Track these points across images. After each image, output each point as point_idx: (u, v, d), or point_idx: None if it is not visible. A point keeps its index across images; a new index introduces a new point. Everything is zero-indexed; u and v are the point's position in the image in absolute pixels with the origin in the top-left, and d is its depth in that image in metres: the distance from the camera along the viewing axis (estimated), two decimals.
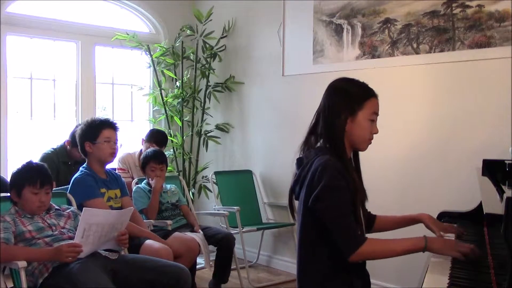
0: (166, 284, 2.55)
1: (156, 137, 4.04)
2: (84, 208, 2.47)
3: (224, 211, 4.03)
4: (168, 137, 4.74)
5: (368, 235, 1.83)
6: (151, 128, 4.90)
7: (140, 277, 2.55)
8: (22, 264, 2.32)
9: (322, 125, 1.85)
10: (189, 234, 3.32)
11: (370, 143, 1.87)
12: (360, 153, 1.94)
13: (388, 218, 2.09)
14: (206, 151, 4.88)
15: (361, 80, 1.90)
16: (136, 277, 2.54)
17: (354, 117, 1.81)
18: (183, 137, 4.78)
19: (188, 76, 4.84)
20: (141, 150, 4.05)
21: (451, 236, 1.97)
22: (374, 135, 1.87)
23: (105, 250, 2.62)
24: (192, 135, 4.83)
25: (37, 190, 2.51)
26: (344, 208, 1.73)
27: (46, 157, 3.76)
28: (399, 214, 3.06)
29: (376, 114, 1.85)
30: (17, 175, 2.57)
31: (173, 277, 2.58)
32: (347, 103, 1.81)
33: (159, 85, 4.74)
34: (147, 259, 2.68)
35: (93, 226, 2.41)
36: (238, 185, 4.46)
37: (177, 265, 2.70)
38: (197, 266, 3.57)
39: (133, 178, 3.81)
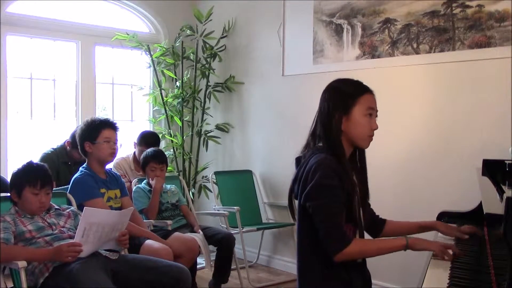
0: (166, 284, 2.55)
1: (147, 140, 3.94)
2: (85, 207, 2.47)
3: (224, 211, 4.03)
4: (168, 137, 4.76)
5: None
6: (149, 128, 4.91)
7: (140, 277, 2.55)
8: (22, 264, 2.32)
9: (320, 127, 1.85)
10: (189, 235, 3.32)
11: (371, 139, 1.85)
12: None
13: (400, 224, 2.06)
14: (206, 151, 4.88)
15: (356, 79, 1.90)
16: (136, 277, 2.54)
17: (348, 115, 1.81)
18: (183, 137, 4.77)
19: (188, 76, 4.84)
20: (134, 153, 4.03)
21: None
22: (375, 134, 1.85)
23: (105, 250, 2.62)
24: (192, 135, 4.83)
25: (38, 191, 2.51)
26: (334, 207, 1.72)
27: (46, 157, 3.76)
28: (398, 214, 3.05)
29: (372, 109, 1.83)
30: (18, 175, 2.57)
31: (173, 277, 2.58)
32: (341, 102, 1.81)
33: (159, 85, 4.74)
34: (147, 259, 2.68)
35: (93, 226, 2.41)
36: (238, 185, 4.46)
37: (177, 265, 2.70)
38: (198, 266, 3.57)
39: (131, 182, 3.79)
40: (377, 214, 2.08)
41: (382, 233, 2.04)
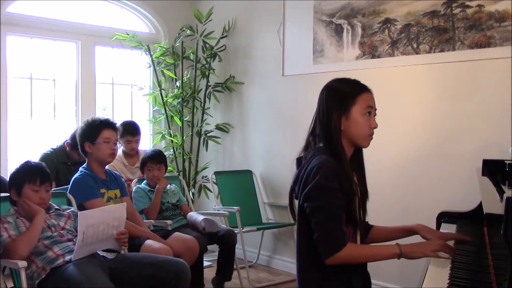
0: (165, 278, 2.55)
1: (126, 128, 3.85)
2: (79, 212, 2.47)
3: (224, 211, 4.03)
4: (168, 137, 4.76)
5: None
6: (149, 129, 4.90)
7: (139, 273, 2.55)
8: (22, 264, 2.32)
9: (319, 127, 1.84)
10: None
11: (371, 138, 1.84)
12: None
13: (383, 228, 2.03)
14: (206, 151, 4.88)
15: (354, 78, 1.89)
16: (135, 273, 2.55)
17: (348, 114, 1.80)
18: (183, 137, 4.77)
19: (188, 76, 4.84)
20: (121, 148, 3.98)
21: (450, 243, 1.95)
22: (375, 134, 1.85)
23: (104, 250, 2.62)
24: (192, 135, 4.83)
25: (37, 188, 2.52)
26: (331, 210, 1.71)
27: (45, 157, 3.76)
28: (399, 213, 3.04)
29: (371, 107, 1.83)
30: (16, 174, 2.57)
31: (171, 270, 2.57)
32: (339, 101, 1.80)
33: (159, 85, 4.74)
34: (146, 256, 2.69)
35: (90, 228, 2.41)
36: (238, 185, 4.46)
37: (176, 260, 2.71)
38: (203, 265, 3.57)
39: (128, 181, 3.78)
40: (373, 211, 2.06)
41: (368, 239, 2.00)
